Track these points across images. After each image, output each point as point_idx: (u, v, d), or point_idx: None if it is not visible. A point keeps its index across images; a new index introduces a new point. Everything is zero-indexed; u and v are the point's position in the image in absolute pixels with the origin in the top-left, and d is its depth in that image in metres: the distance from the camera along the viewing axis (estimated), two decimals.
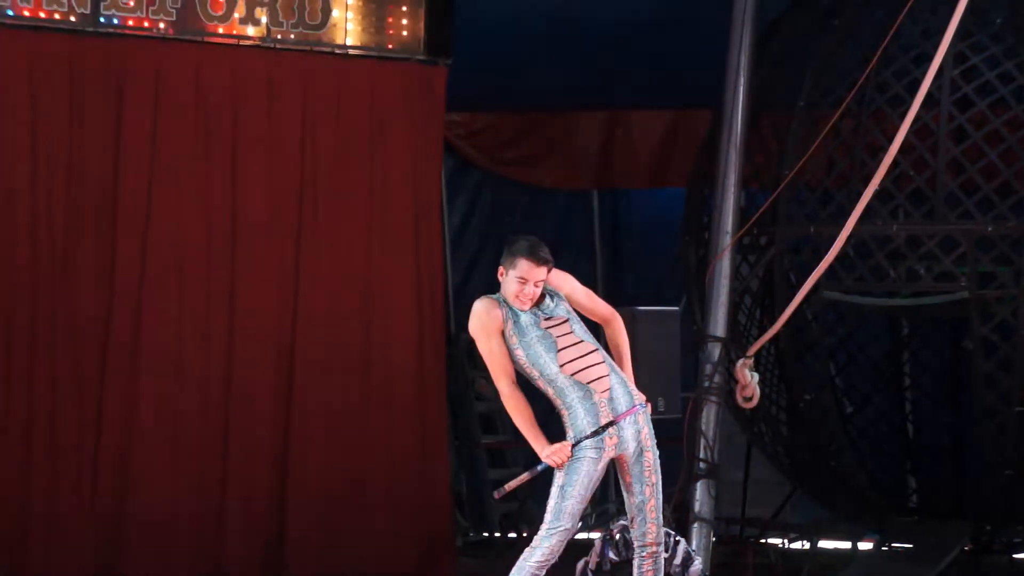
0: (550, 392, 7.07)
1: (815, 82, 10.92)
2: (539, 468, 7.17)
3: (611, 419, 7.00)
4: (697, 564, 8.11)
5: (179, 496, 10.43)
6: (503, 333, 7.04)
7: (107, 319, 10.31)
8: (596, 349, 7.10)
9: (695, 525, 10.16)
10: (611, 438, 7.02)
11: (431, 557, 11.03)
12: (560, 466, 7.00)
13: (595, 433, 6.97)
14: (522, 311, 7.04)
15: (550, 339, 7.04)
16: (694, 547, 9.48)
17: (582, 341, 7.08)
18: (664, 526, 7.58)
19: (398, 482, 10.95)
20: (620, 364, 7.20)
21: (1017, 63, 10.61)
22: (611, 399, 7.04)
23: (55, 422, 10.14)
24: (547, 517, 7.02)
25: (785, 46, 11.38)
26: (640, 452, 7.09)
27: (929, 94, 9.25)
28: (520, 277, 6.99)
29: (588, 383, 7.03)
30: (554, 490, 7.05)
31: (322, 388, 10.84)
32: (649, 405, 7.15)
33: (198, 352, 10.54)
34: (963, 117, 10.68)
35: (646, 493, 7.12)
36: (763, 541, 12.31)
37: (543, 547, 7.02)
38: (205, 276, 10.59)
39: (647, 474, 7.11)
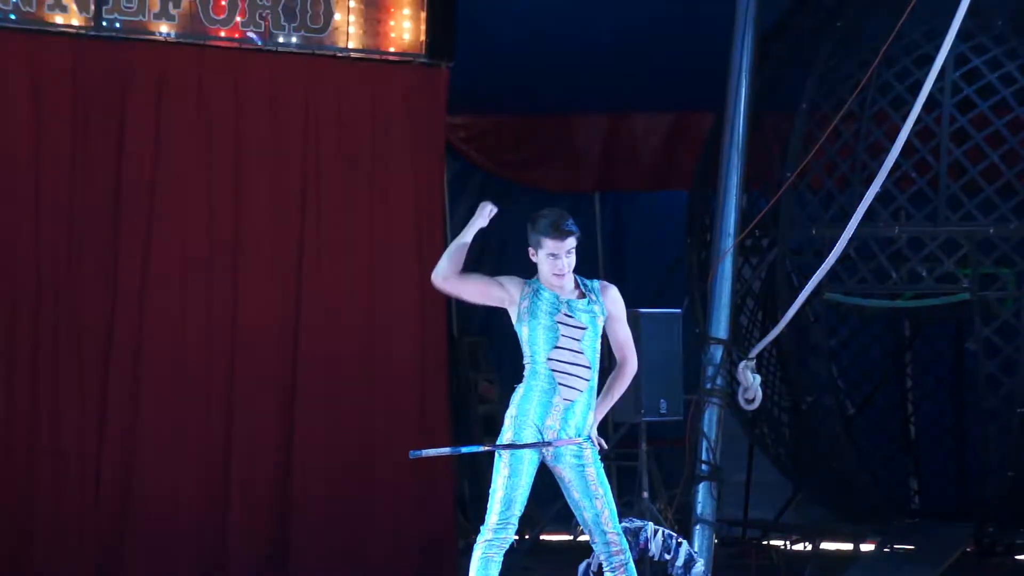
0: (526, 371, 7.18)
1: (817, 84, 10.92)
2: (463, 450, 7.31)
3: (550, 440, 7.09)
4: (699, 566, 8.11)
5: (182, 497, 10.45)
6: (513, 305, 7.21)
7: (110, 322, 10.33)
8: (589, 368, 7.14)
9: (697, 527, 10.17)
10: (546, 451, 7.15)
11: (433, 559, 11.04)
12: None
13: (529, 446, 7.05)
14: (554, 291, 7.10)
15: (555, 333, 7.11)
16: (696, 549, 9.48)
17: (582, 353, 7.13)
18: (666, 528, 7.59)
19: (400, 484, 10.95)
20: (604, 395, 7.28)
21: (1019, 65, 10.62)
22: (565, 411, 7.10)
23: (58, 424, 10.16)
24: (497, 508, 7.07)
25: (787, 48, 11.39)
26: (581, 467, 7.14)
27: (931, 96, 9.26)
28: (550, 254, 7.12)
29: (559, 383, 7.10)
30: (500, 481, 7.11)
31: (325, 390, 10.86)
32: (598, 444, 7.22)
33: (201, 355, 10.56)
34: (965, 119, 10.68)
35: (597, 506, 7.16)
36: (765, 543, 12.32)
37: (500, 538, 7.08)
38: (208, 278, 10.60)
39: (593, 488, 7.16)
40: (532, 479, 7.18)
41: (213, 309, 10.60)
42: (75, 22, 10.32)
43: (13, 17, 10.17)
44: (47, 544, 10.10)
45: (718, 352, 10.40)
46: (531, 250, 7.22)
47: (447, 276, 7.28)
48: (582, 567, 8.02)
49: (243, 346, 10.65)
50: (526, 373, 7.21)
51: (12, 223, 10.13)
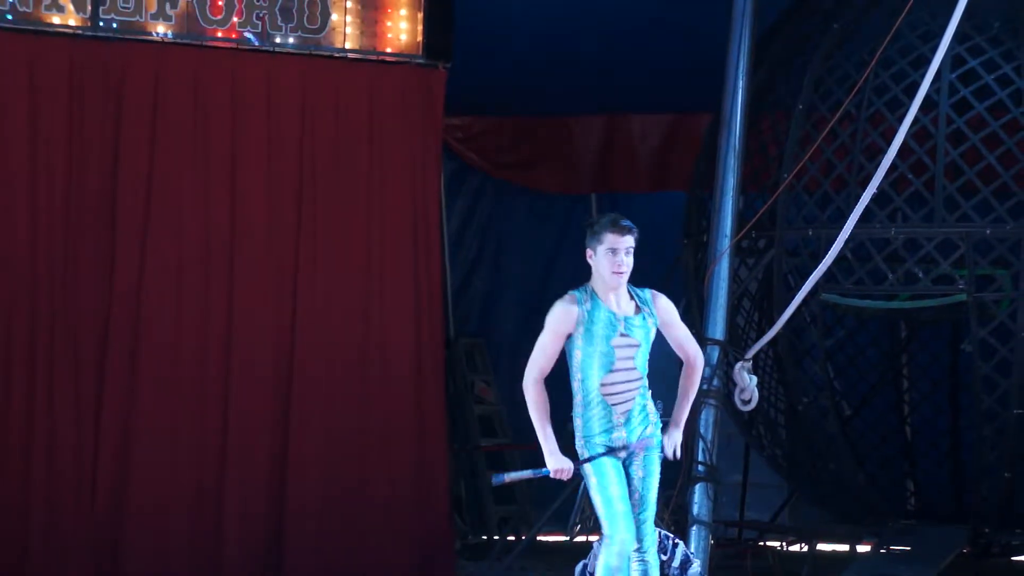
0: (578, 393, 7.23)
1: (814, 85, 10.93)
2: (544, 472, 7.27)
3: (624, 445, 7.17)
4: (695, 567, 8.10)
5: (177, 498, 10.44)
6: (570, 334, 7.16)
7: (106, 321, 10.33)
8: (640, 377, 7.23)
9: (693, 528, 10.16)
10: (620, 441, 7.21)
11: (430, 560, 11.03)
12: (563, 477, 7.17)
13: (604, 454, 7.10)
14: (609, 304, 7.11)
15: (611, 357, 7.15)
16: (692, 550, 9.48)
17: (635, 369, 7.18)
18: (663, 528, 7.60)
19: (397, 485, 10.95)
20: (680, 400, 7.40)
21: (1015, 66, 10.63)
22: (626, 423, 7.20)
23: (54, 425, 10.15)
24: (604, 526, 7.15)
25: (784, 50, 11.40)
26: (645, 468, 7.19)
27: (927, 97, 9.26)
28: (610, 249, 7.12)
29: (613, 405, 7.16)
30: (596, 499, 7.16)
31: (320, 390, 10.85)
32: (670, 449, 7.32)
33: (196, 354, 10.55)
34: (961, 120, 10.68)
35: (633, 499, 7.22)
36: (761, 544, 12.33)
37: (611, 551, 7.12)
38: (204, 279, 10.60)
39: (635, 482, 7.22)
40: (623, 478, 7.19)
41: (208, 310, 10.60)
42: (72, 22, 10.32)
43: (10, 17, 10.17)
44: (43, 546, 10.08)
45: (715, 353, 10.40)
46: (588, 252, 7.19)
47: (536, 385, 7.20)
48: (579, 568, 8.02)
49: (239, 347, 10.64)
50: (578, 400, 7.26)
51: (8, 223, 10.13)
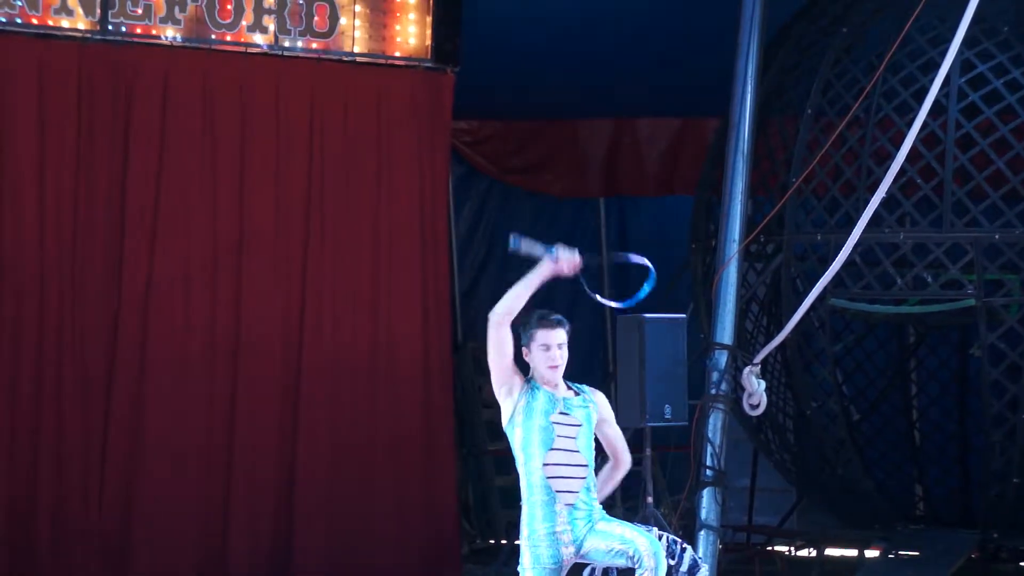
0: (522, 477, 7.12)
1: (822, 90, 10.92)
2: (552, 250, 6.99)
3: (569, 547, 7.07)
4: (703, 571, 8.10)
5: (185, 501, 10.45)
6: (510, 398, 7.11)
7: (114, 324, 10.34)
8: (585, 467, 7.11)
9: (701, 532, 10.15)
10: (566, 547, 7.08)
11: (437, 564, 11.04)
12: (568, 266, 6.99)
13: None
14: (548, 390, 7.08)
15: (551, 434, 7.04)
16: (700, 554, 9.47)
17: (577, 452, 7.09)
18: (670, 533, 7.58)
19: (404, 488, 10.96)
20: (601, 487, 7.24)
21: None
22: (569, 515, 7.07)
23: (62, 426, 10.17)
24: None
25: (792, 54, 11.39)
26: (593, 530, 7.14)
27: (936, 102, 9.25)
28: (543, 344, 7.06)
29: (556, 491, 7.08)
30: None
31: (328, 394, 10.86)
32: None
33: (204, 357, 10.56)
34: (970, 125, 10.68)
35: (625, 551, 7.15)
36: (770, 548, 12.32)
37: None
38: (212, 282, 10.62)
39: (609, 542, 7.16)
40: None
41: (217, 312, 10.61)
42: (81, 26, 10.34)
43: (19, 21, 10.18)
44: (50, 548, 10.10)
45: (723, 357, 10.38)
46: (524, 350, 7.11)
47: (502, 321, 7.12)
48: (586, 572, 8.01)
49: (247, 350, 10.66)
50: (523, 488, 7.14)
51: (17, 225, 10.14)
